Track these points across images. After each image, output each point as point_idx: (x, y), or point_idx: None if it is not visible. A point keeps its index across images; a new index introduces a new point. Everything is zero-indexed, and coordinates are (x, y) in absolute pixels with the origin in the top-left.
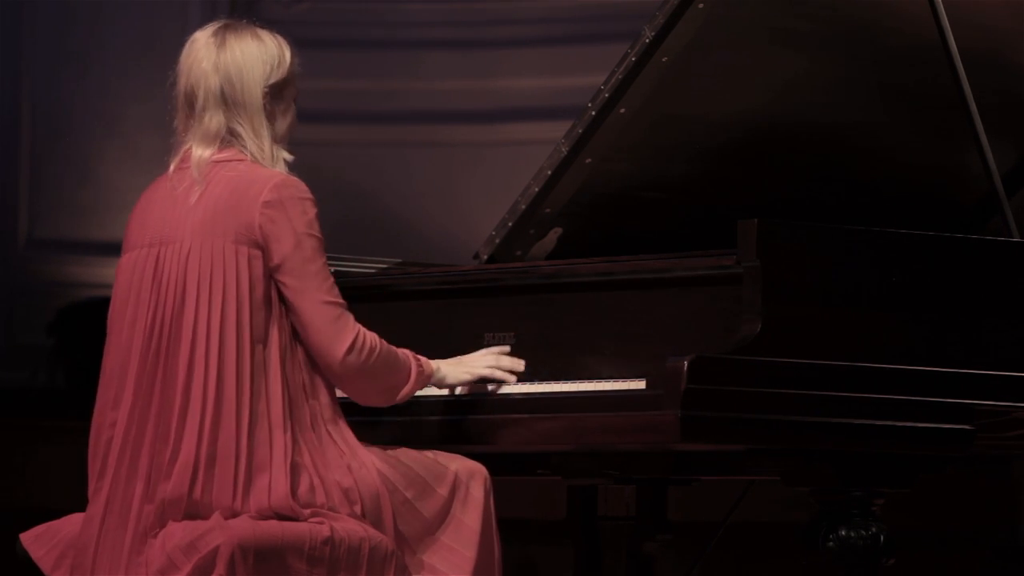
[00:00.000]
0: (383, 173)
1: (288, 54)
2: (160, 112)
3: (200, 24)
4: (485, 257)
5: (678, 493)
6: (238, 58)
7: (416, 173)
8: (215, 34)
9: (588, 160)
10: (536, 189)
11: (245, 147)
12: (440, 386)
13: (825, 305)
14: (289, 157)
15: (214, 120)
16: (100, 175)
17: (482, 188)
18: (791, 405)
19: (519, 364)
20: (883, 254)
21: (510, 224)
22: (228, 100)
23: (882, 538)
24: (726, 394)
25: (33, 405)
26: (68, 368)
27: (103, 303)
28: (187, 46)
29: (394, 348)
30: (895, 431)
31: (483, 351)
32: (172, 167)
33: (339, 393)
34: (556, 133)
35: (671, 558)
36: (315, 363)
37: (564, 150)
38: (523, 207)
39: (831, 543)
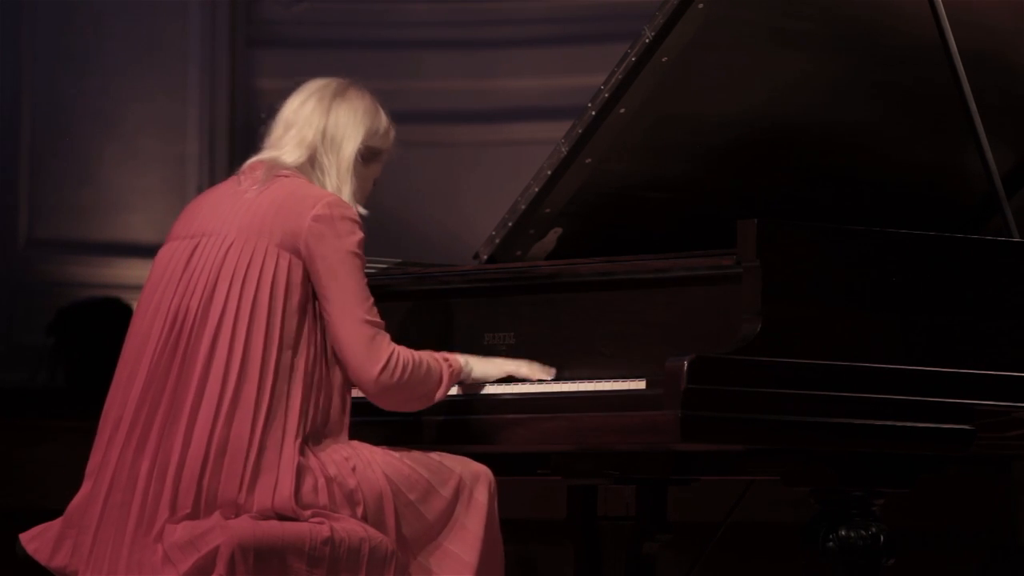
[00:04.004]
0: (383, 173)
1: (392, 136)
2: (160, 112)
3: (199, 24)
4: (485, 257)
5: (678, 493)
6: (350, 104)
7: (416, 173)
8: (340, 82)
9: (588, 160)
10: (536, 189)
11: (321, 177)
12: (467, 380)
13: (825, 305)
14: (363, 211)
15: (303, 145)
16: (100, 175)
17: (482, 188)
18: (791, 405)
19: (550, 371)
20: (883, 254)
21: (510, 224)
22: (327, 136)
23: (882, 538)
24: (726, 394)
25: (33, 405)
26: (68, 368)
27: (103, 303)
28: (310, 82)
29: (424, 356)
30: (895, 431)
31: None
32: (242, 169)
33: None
34: (556, 133)
35: (671, 558)
36: (332, 379)
37: (564, 150)
38: (523, 207)
39: (831, 543)
